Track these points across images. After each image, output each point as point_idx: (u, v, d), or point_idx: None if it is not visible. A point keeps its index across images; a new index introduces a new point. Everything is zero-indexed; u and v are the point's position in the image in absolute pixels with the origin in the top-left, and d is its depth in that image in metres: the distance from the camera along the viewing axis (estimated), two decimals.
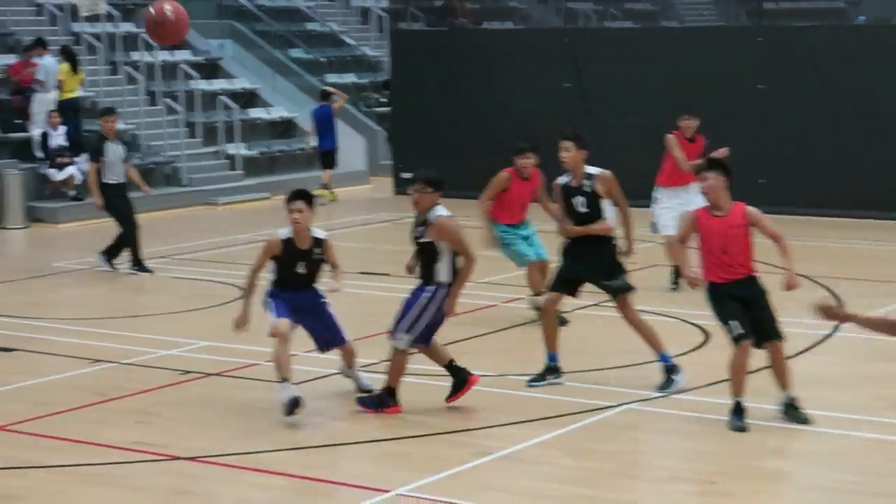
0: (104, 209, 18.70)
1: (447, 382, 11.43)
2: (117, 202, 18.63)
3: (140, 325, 15.33)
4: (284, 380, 11.05)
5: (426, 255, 11.18)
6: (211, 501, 9.44)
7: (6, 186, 23.53)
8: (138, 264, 18.62)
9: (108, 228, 19.04)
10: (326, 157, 27.07)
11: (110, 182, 18.56)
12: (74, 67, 24.91)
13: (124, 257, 18.71)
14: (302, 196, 11.28)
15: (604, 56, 25.50)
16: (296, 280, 11.36)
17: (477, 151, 26.15)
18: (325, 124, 27.04)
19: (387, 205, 25.86)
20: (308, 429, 10.98)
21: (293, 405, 10.90)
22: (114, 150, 18.61)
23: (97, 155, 18.61)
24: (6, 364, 13.44)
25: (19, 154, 24.73)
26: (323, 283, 11.59)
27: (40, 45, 25.16)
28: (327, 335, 11.57)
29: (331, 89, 28.12)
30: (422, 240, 11.13)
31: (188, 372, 12.89)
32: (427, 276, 11.20)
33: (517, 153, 14.76)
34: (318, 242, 11.36)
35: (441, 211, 11.15)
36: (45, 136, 24.27)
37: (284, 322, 11.18)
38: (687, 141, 16.64)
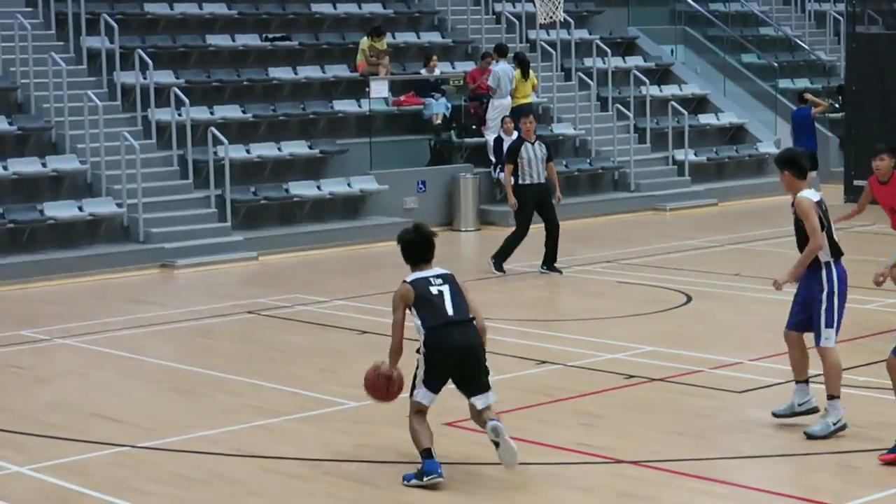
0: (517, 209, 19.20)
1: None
2: (528, 205, 19.05)
3: (586, 327, 15.51)
4: (832, 397, 10.69)
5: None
6: None
7: (460, 190, 24.27)
8: (547, 263, 19.02)
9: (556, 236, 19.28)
10: None
11: (525, 183, 19.00)
12: (525, 73, 25.39)
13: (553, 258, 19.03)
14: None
15: None
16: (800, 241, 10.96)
17: None
18: (802, 126, 27.51)
19: (838, 213, 25.09)
20: (755, 438, 10.83)
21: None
22: (532, 151, 19.02)
23: (513, 156, 19.08)
24: None
25: (473, 158, 25.47)
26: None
27: (497, 51, 25.74)
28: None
29: (810, 96, 28.13)
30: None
31: (632, 376, 12.93)
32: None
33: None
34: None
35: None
36: (498, 141, 24.85)
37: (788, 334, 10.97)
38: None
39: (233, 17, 26.19)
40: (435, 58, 26.36)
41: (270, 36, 26.17)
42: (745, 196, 27.67)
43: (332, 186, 23.26)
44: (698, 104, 30.11)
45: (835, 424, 10.68)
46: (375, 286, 18.32)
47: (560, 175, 25.30)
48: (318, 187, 23.14)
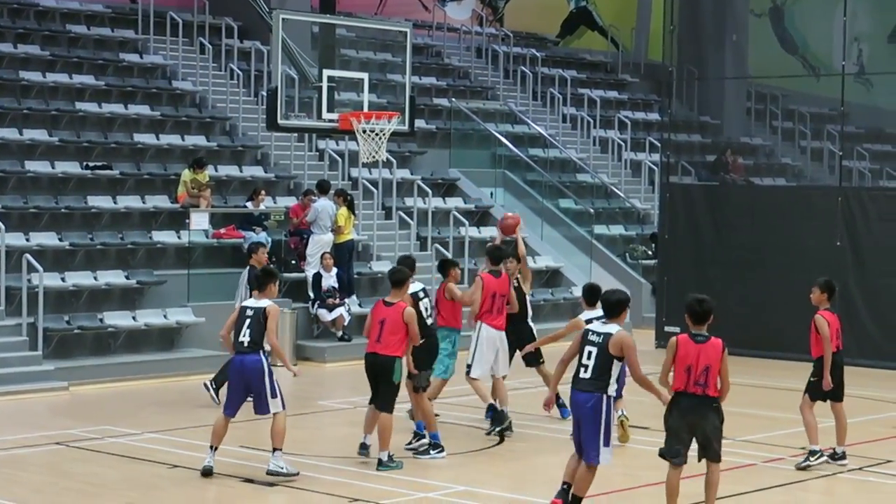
0: None
1: None
2: None
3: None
4: None
5: None
6: None
7: (279, 324, 24.14)
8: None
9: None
10: None
11: None
12: (353, 212, 25.56)
13: None
14: None
15: (879, 215, 25.10)
16: None
17: (745, 307, 25.92)
18: None
19: (649, 358, 25.51)
20: None
21: None
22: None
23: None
24: (268, 499, 13.73)
25: (291, 293, 25.43)
26: None
27: (319, 188, 25.87)
28: None
29: None
30: None
31: None
32: None
33: None
34: None
35: None
36: (317, 277, 24.90)
37: None
38: None
39: (53, 143, 25.97)
40: (263, 192, 26.38)
41: (91, 164, 25.98)
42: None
43: (148, 317, 23.02)
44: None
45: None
46: (189, 420, 18.10)
47: None
48: (134, 318, 22.88)
